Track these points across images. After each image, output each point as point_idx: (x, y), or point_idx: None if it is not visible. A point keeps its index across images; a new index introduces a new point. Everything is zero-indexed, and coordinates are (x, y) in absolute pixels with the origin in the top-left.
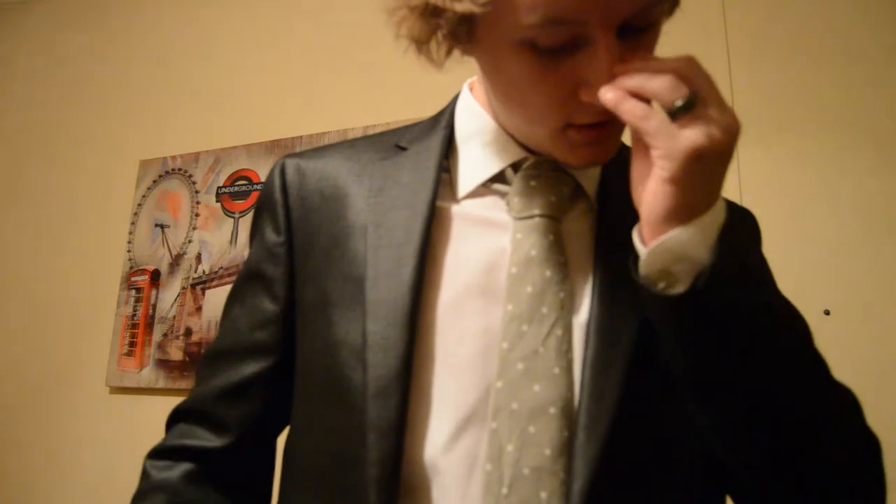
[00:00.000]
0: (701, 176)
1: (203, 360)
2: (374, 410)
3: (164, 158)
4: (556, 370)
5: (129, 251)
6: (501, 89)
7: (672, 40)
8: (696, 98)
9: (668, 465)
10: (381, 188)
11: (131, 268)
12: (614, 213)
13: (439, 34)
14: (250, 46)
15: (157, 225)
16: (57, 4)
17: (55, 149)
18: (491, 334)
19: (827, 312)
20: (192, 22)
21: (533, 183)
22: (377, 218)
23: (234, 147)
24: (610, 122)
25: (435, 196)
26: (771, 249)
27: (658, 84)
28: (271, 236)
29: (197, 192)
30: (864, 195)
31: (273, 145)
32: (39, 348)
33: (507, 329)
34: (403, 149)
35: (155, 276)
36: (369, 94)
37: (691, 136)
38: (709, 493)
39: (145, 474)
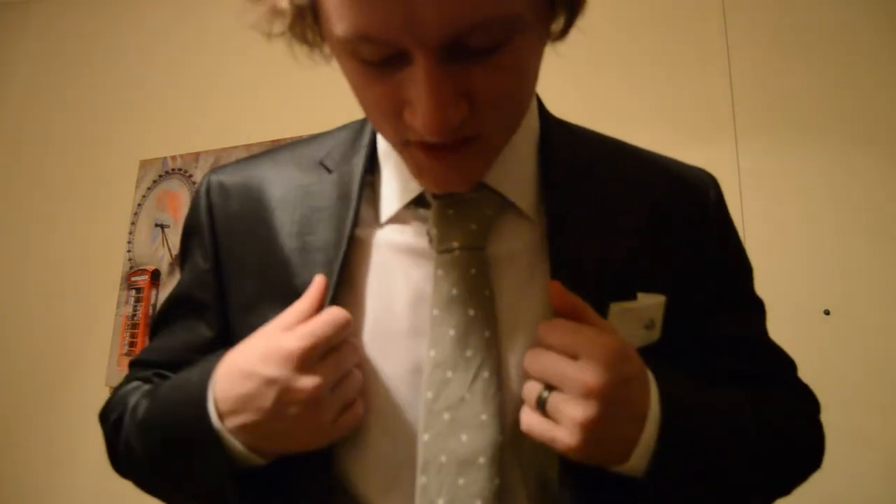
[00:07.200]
0: (590, 455)
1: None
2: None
3: (164, 158)
4: (484, 417)
5: (129, 251)
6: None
7: (672, 43)
8: (544, 399)
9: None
10: (305, 217)
11: (131, 268)
12: (567, 236)
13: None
14: (251, 46)
15: (157, 225)
16: (57, 5)
17: (55, 149)
18: (420, 376)
19: (827, 312)
20: (193, 21)
21: (451, 211)
22: (301, 245)
23: (234, 147)
24: (462, 145)
25: (354, 224)
26: (771, 250)
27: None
28: (200, 262)
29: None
30: (863, 196)
31: (273, 145)
32: (39, 348)
33: (431, 378)
34: (328, 170)
35: (155, 276)
36: None
37: (556, 434)
38: None
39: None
